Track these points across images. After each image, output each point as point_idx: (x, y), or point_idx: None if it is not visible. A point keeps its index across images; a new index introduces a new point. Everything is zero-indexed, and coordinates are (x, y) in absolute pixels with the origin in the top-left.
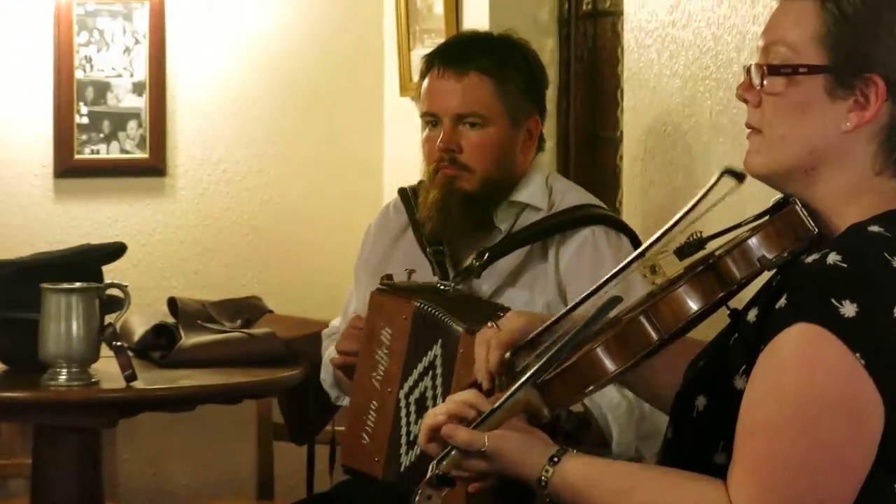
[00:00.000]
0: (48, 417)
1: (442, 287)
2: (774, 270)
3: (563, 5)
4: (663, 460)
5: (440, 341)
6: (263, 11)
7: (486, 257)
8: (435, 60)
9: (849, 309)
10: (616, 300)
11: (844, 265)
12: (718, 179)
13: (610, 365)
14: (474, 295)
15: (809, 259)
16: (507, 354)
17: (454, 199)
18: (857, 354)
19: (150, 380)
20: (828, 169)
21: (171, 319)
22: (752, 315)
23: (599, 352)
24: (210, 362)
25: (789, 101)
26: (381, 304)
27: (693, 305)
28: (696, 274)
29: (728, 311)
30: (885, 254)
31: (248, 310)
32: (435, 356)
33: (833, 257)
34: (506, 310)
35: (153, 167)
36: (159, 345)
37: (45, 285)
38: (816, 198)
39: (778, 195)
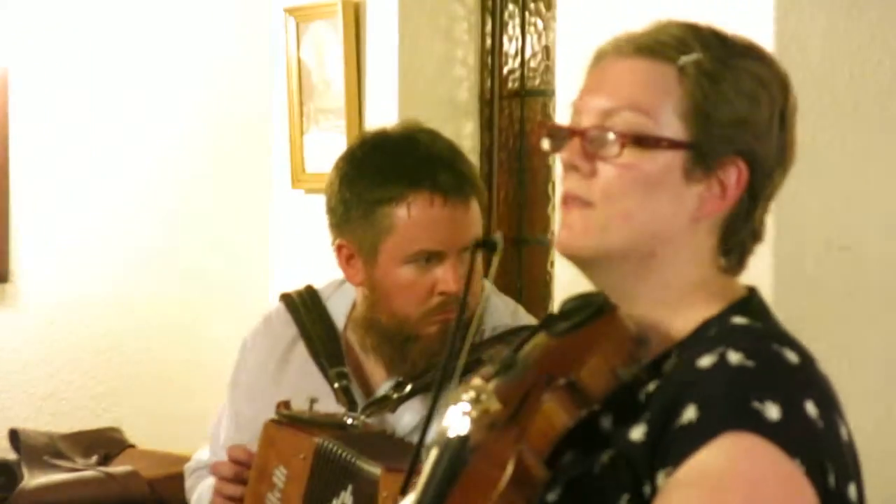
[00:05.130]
0: None
1: (350, 421)
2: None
3: (485, 83)
4: None
5: (350, 487)
6: (119, 79)
7: (408, 389)
8: (419, 187)
9: (772, 411)
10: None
11: (751, 363)
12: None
13: None
14: (388, 433)
15: (705, 363)
16: None
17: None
18: (798, 461)
19: None
20: (668, 257)
21: (11, 455)
22: (637, 434)
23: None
24: None
25: (641, 176)
26: (274, 438)
27: (563, 422)
28: (557, 390)
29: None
30: (775, 346)
31: (105, 444)
32: None
33: (734, 357)
34: None
35: None
36: None
37: None
38: (647, 290)
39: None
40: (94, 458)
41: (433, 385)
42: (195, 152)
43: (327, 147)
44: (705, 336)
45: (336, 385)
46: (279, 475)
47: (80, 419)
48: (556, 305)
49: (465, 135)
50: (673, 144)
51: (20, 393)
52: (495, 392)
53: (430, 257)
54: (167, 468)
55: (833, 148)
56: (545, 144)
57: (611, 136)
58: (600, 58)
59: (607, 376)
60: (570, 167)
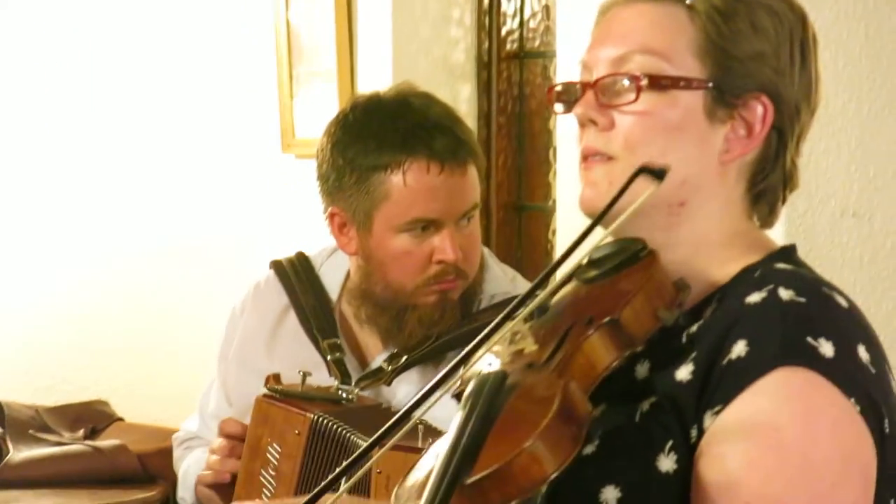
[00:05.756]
0: None
1: (343, 395)
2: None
3: (483, 44)
4: None
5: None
6: (101, 47)
7: (403, 361)
8: (414, 153)
9: (826, 348)
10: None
11: (802, 300)
12: (633, 179)
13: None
14: (384, 405)
15: (754, 298)
16: None
17: (450, 315)
18: (852, 400)
19: None
20: (699, 205)
21: None
22: (683, 374)
23: (542, 436)
24: (46, 481)
25: (662, 121)
26: (267, 414)
27: (605, 362)
28: (600, 328)
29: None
30: (825, 289)
31: (92, 417)
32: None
33: (786, 293)
34: (430, 427)
35: None
36: None
37: None
38: (680, 240)
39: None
40: (81, 432)
41: (429, 357)
42: (181, 117)
43: (318, 111)
44: (750, 278)
45: (329, 357)
46: (273, 452)
47: (67, 392)
48: (557, 275)
49: (461, 99)
50: (691, 84)
51: (3, 366)
52: (531, 333)
53: (427, 225)
54: (157, 442)
55: (847, 112)
56: (558, 107)
57: (625, 81)
58: (605, 10)
59: (650, 318)
60: (586, 122)
